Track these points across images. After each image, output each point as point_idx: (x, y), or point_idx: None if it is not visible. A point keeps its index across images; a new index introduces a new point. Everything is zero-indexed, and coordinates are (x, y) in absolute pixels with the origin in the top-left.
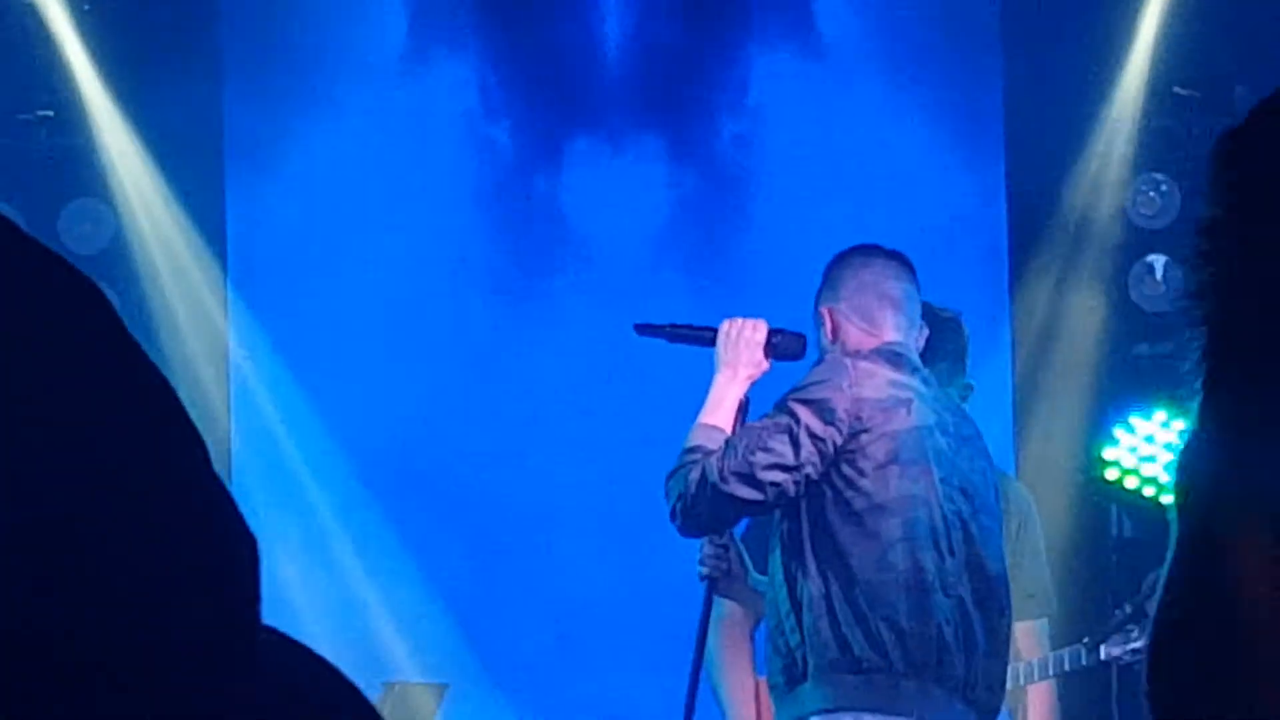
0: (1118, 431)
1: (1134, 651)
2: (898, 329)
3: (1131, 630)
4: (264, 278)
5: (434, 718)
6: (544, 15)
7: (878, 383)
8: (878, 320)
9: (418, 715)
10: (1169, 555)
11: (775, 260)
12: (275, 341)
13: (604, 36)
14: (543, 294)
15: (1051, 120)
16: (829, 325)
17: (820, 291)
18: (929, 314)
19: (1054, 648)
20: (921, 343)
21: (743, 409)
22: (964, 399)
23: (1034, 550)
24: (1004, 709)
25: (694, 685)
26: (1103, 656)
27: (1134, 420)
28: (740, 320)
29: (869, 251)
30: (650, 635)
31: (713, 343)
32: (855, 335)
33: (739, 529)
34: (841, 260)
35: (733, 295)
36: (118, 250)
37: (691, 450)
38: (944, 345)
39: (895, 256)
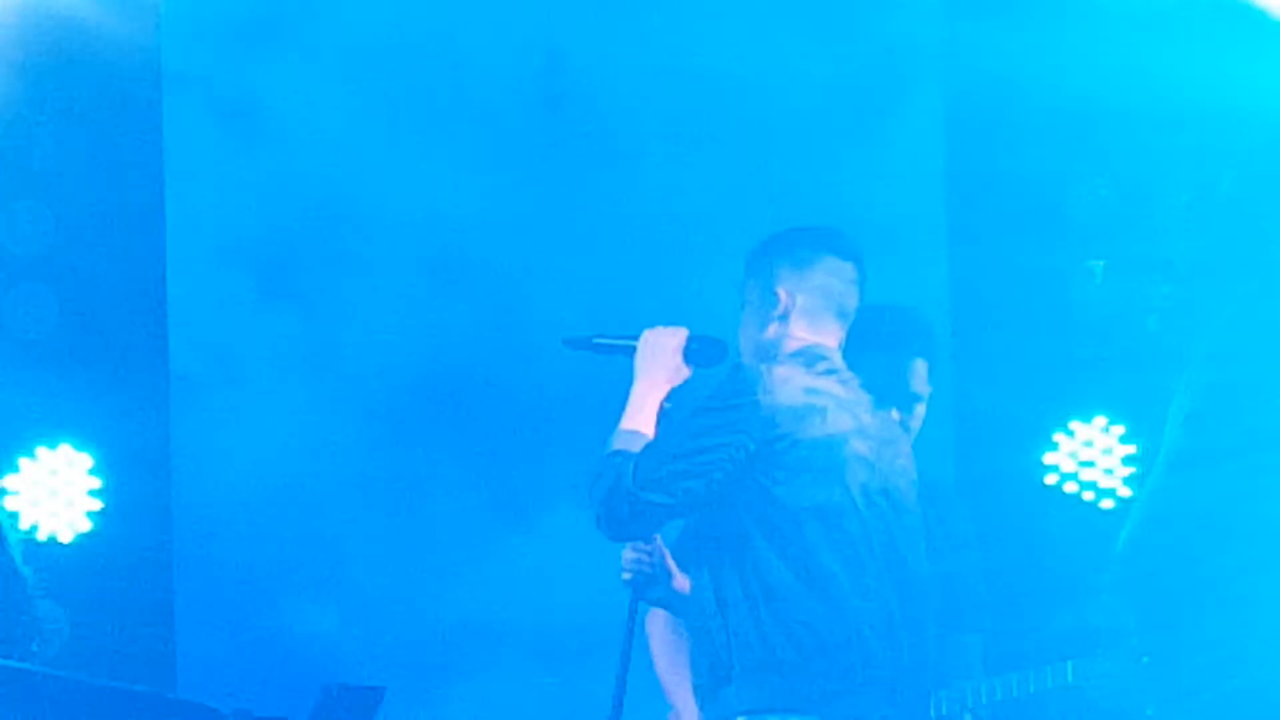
0: (1058, 436)
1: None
2: (834, 337)
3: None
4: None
5: None
6: None
7: (792, 389)
8: (823, 327)
9: (354, 718)
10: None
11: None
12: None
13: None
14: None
15: None
16: (780, 307)
17: (780, 267)
18: (905, 311)
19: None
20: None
21: (663, 415)
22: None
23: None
24: None
25: (619, 689)
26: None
27: (1074, 425)
28: (660, 328)
29: (842, 250)
30: (586, 640)
31: (634, 352)
32: (795, 331)
33: (672, 533)
34: (812, 248)
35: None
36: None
37: (610, 456)
38: (928, 343)
39: (858, 259)
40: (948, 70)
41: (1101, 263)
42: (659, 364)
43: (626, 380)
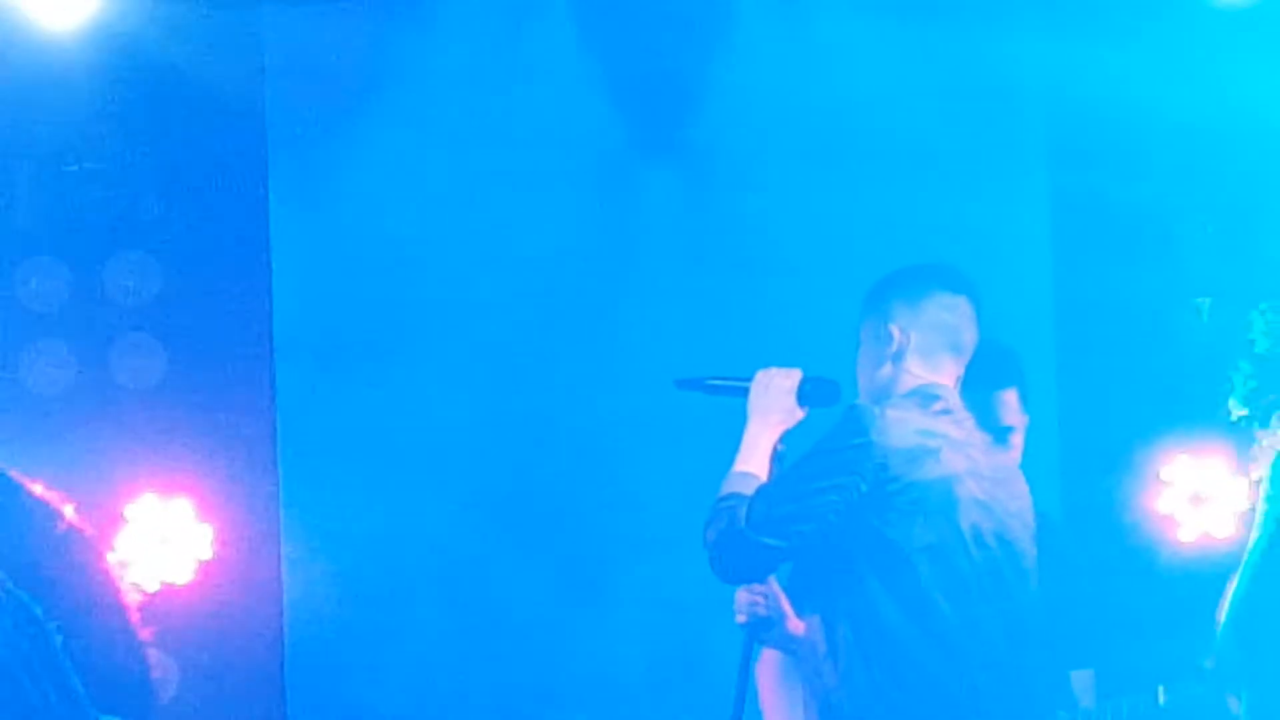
0: (1165, 468)
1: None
2: (950, 374)
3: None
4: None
5: None
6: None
7: (905, 431)
8: (938, 365)
9: None
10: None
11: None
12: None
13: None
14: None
15: None
16: (895, 345)
17: (893, 304)
18: (997, 342)
19: (1104, 696)
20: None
21: (777, 457)
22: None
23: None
24: None
25: None
26: (1161, 702)
27: (1185, 458)
28: (774, 370)
29: (954, 285)
30: (696, 685)
31: (748, 393)
32: (911, 368)
33: (787, 571)
34: (924, 284)
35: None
36: None
37: (725, 498)
38: (1016, 372)
39: (972, 294)
40: (1053, 97)
41: (1208, 300)
42: (773, 405)
43: (733, 422)
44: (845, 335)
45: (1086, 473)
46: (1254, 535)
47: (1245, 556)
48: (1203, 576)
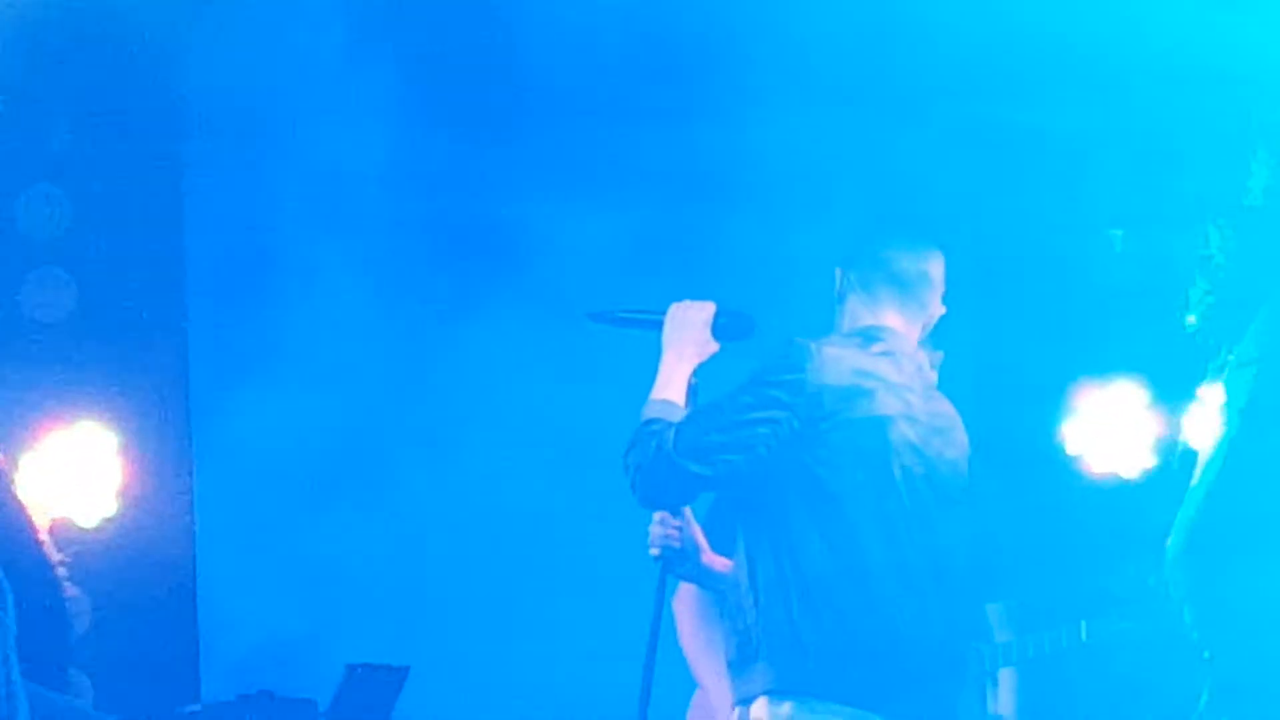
0: (1079, 403)
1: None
2: (899, 319)
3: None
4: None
5: (395, 701)
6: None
7: (842, 369)
8: (882, 307)
9: (378, 698)
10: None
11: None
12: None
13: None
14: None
15: None
16: (838, 284)
17: (847, 250)
18: None
19: (1021, 630)
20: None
21: (691, 390)
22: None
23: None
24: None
25: (649, 665)
26: (1083, 637)
27: (1097, 392)
28: (688, 302)
29: (905, 232)
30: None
31: (661, 326)
32: (854, 307)
33: (704, 508)
34: (886, 236)
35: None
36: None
37: (648, 423)
38: None
39: (925, 242)
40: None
41: (1121, 231)
42: (687, 337)
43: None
44: (765, 270)
45: (1001, 406)
46: (1209, 453)
47: (1199, 473)
48: (1118, 510)
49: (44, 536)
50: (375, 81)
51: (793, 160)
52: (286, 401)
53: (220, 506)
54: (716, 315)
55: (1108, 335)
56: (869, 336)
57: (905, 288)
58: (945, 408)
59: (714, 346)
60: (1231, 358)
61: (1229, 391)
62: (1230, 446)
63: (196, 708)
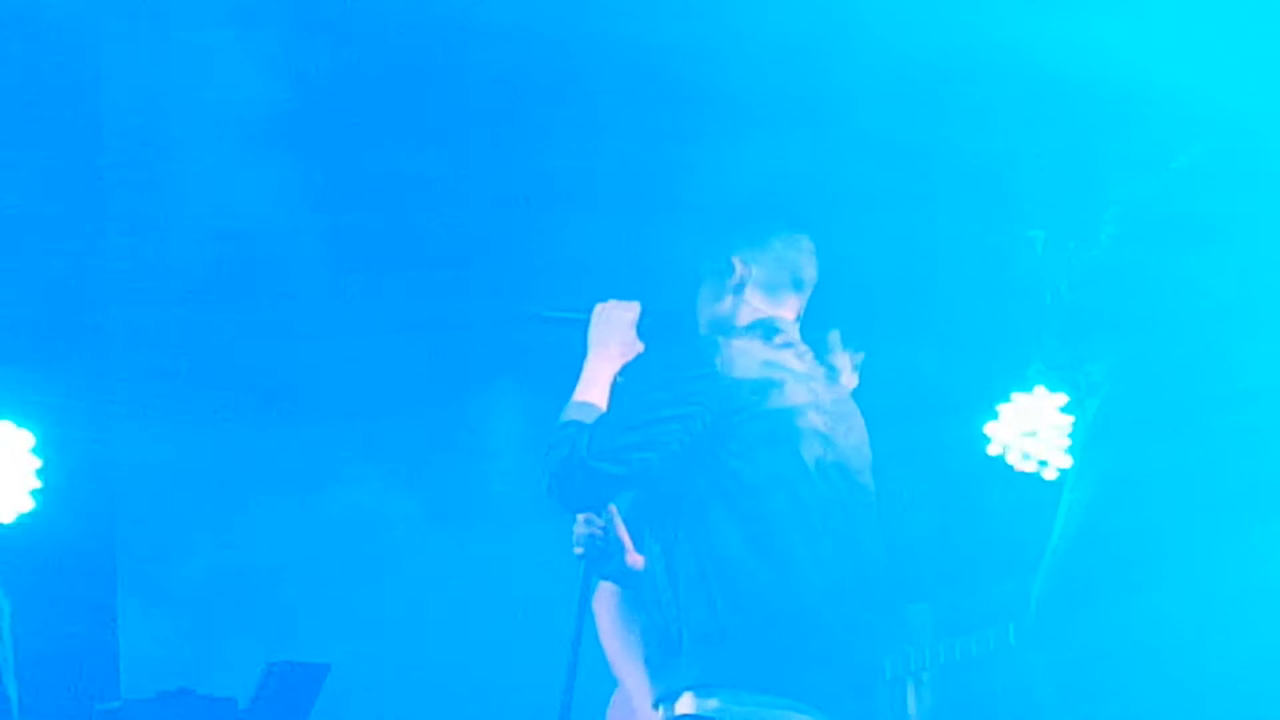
0: (1000, 406)
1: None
2: (792, 309)
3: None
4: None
5: (315, 699)
6: None
7: (749, 362)
8: (780, 299)
9: (298, 696)
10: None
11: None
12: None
13: None
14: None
15: None
16: (736, 277)
17: (734, 239)
18: None
19: (946, 632)
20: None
21: (616, 389)
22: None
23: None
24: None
25: (571, 665)
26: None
27: (1016, 395)
28: (613, 302)
29: (794, 222)
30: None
31: (587, 325)
32: (751, 301)
33: (626, 505)
34: (766, 221)
35: None
36: None
37: (565, 425)
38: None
39: (811, 231)
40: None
41: (1042, 233)
42: (612, 337)
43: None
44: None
45: (923, 410)
46: (1062, 517)
47: (1052, 537)
48: (1036, 513)
49: None
50: (297, 88)
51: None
52: (201, 400)
53: (139, 502)
54: (642, 315)
55: (1027, 338)
56: (770, 328)
57: (801, 283)
58: (843, 393)
59: (639, 347)
60: (1083, 379)
61: (1080, 417)
62: (1077, 472)
63: (116, 704)
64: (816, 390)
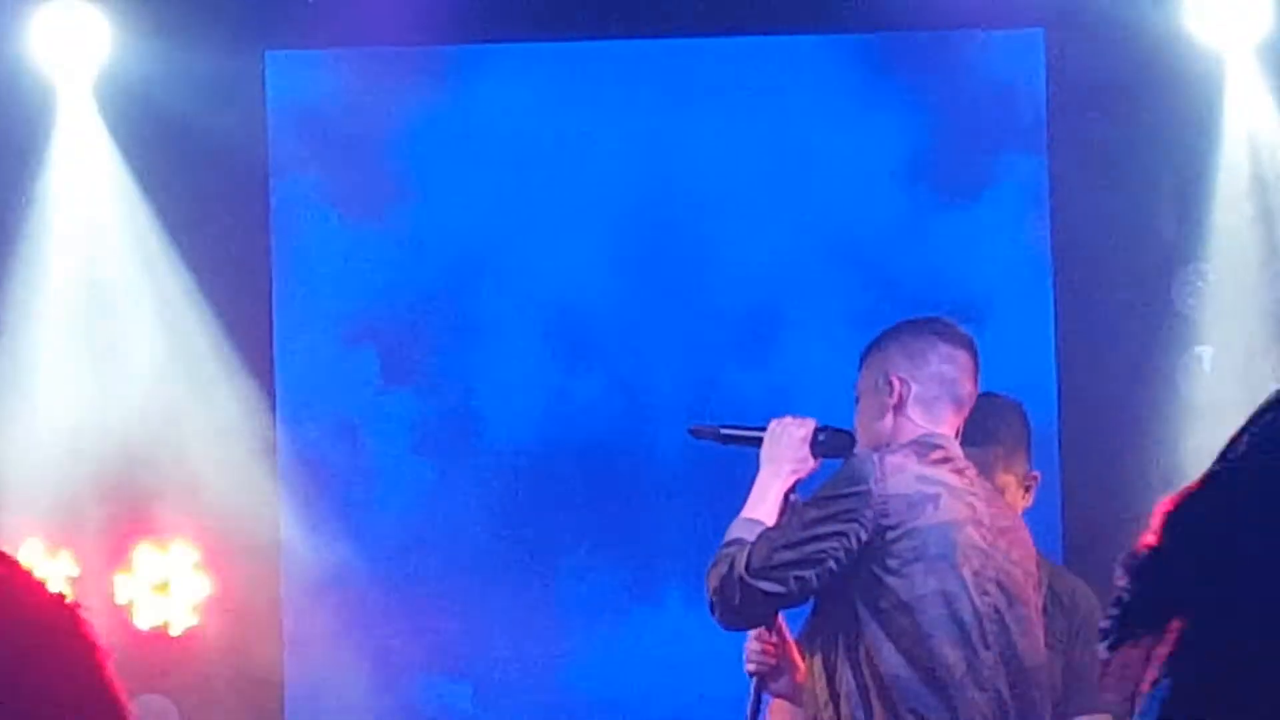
0: None
1: None
2: (950, 425)
3: None
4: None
5: None
6: None
7: (905, 478)
8: (938, 418)
9: None
10: None
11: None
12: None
13: None
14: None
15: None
16: (896, 395)
17: (894, 354)
18: (986, 399)
19: None
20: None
21: (790, 506)
22: (1028, 489)
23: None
24: None
25: None
26: None
27: None
28: (788, 419)
29: (953, 340)
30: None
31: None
32: (911, 418)
33: (795, 625)
34: (922, 338)
35: None
36: None
37: (729, 544)
38: (999, 431)
39: (971, 347)
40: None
41: (1208, 349)
42: (785, 454)
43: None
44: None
45: (1091, 528)
46: None
47: None
48: None
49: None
50: None
51: None
52: (383, 494)
53: (311, 605)
54: (816, 432)
55: (1196, 455)
56: (927, 445)
57: (958, 394)
58: (1006, 508)
59: (813, 464)
60: None
61: None
62: None
63: None
64: (975, 505)
